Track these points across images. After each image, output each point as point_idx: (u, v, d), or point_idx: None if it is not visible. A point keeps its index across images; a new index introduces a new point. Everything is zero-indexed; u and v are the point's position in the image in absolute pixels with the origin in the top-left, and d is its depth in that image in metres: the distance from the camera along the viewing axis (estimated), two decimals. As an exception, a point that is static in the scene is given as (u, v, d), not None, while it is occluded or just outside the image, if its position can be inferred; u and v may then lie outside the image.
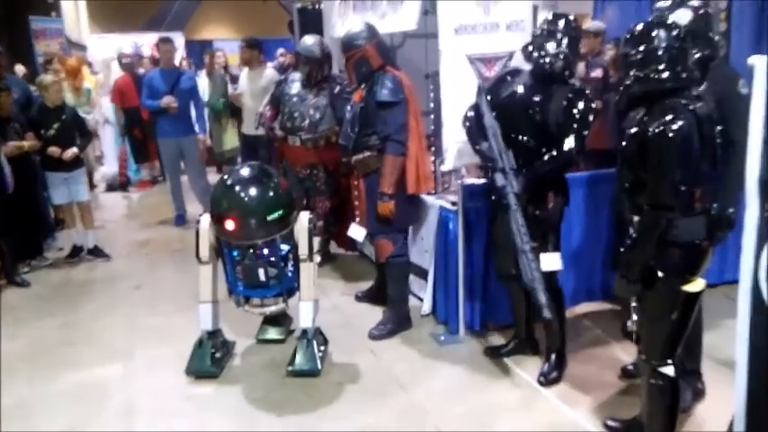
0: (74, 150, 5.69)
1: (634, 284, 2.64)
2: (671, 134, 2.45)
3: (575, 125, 3.29)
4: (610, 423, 3.11)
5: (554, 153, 3.31)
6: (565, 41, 3.32)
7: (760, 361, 2.04)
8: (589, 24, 6.03)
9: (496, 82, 3.63)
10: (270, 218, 3.42)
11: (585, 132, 3.32)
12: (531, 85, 3.42)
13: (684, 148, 2.46)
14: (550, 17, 3.43)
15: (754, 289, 2.02)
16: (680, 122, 2.45)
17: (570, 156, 3.31)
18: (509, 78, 3.57)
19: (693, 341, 3.11)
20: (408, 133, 3.90)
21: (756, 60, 1.92)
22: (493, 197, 3.52)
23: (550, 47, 3.32)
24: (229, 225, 3.42)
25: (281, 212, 3.46)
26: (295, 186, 4.57)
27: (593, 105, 3.36)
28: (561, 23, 3.36)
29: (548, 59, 3.32)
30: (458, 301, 4.03)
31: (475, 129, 3.51)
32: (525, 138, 3.38)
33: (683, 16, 3.01)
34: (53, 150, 5.56)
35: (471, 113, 3.57)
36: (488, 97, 3.48)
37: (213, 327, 3.80)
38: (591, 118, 3.32)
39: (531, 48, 3.42)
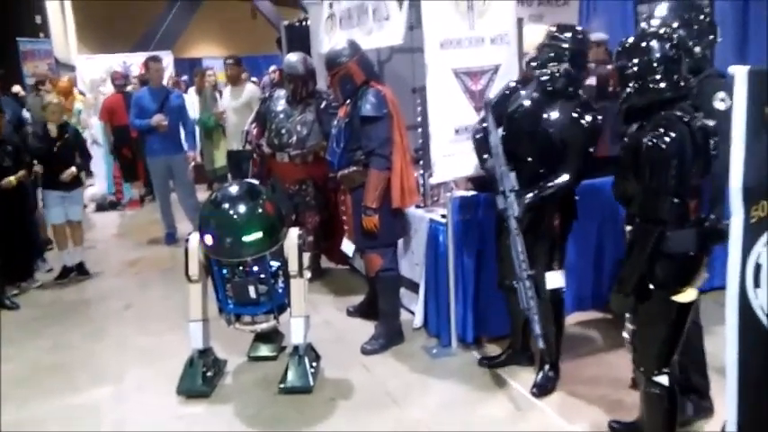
0: (72, 170, 5.68)
1: (629, 299, 2.60)
2: (663, 146, 2.42)
3: (579, 141, 3.22)
4: (613, 424, 3.10)
5: (557, 173, 3.23)
6: (567, 57, 3.21)
7: (750, 366, 2.05)
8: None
9: (505, 92, 3.54)
10: (257, 235, 3.41)
11: (591, 149, 3.23)
12: (538, 99, 3.33)
13: (676, 161, 2.42)
14: (554, 29, 3.32)
15: (742, 295, 2.03)
16: (672, 135, 2.42)
17: (575, 174, 3.25)
18: (519, 87, 3.48)
19: (696, 359, 3.06)
20: (392, 147, 3.90)
21: (736, 70, 1.94)
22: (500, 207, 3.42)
23: (552, 64, 3.22)
24: (217, 243, 3.41)
25: (268, 230, 3.45)
26: (284, 202, 4.57)
27: (600, 118, 3.24)
28: (567, 35, 3.25)
29: (548, 78, 3.24)
30: (449, 314, 4.02)
31: (483, 144, 3.45)
32: (530, 153, 3.30)
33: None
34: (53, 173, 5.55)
35: (481, 127, 3.53)
36: (495, 103, 3.41)
37: (204, 345, 3.78)
38: (596, 134, 3.23)
39: (533, 63, 3.31)
